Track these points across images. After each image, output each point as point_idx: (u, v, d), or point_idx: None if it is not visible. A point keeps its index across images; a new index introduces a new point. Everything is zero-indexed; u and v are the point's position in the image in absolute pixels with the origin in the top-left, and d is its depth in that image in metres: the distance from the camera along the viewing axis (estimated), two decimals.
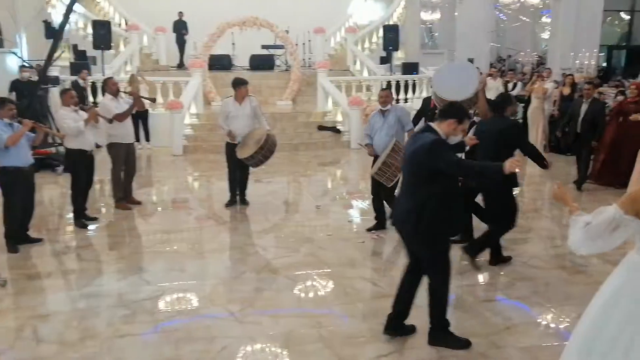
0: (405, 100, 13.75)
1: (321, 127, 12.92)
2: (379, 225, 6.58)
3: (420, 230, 3.78)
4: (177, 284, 5.17)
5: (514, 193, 5.70)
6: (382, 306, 4.69)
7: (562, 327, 4.36)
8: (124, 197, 7.65)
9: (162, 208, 8.08)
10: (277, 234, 6.78)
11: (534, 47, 25.86)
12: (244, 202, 7.79)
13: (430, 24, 24.69)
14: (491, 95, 13.03)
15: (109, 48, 13.93)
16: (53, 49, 10.21)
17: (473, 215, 5.93)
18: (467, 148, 4.67)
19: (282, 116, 13.21)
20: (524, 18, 26.36)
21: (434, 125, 3.86)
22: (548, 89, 12.01)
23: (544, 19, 25.46)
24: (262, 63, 16.32)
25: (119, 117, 7.19)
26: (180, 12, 16.28)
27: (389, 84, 14.07)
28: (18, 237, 6.06)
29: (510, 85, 13.32)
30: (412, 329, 4.19)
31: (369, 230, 6.55)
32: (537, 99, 11.84)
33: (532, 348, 4.02)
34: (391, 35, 15.43)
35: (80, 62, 13.53)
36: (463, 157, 4.63)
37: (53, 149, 10.07)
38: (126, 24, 16.93)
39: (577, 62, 16.05)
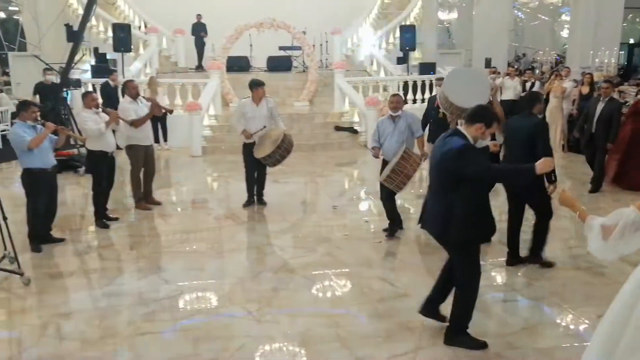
0: (422, 100, 13.71)
1: (338, 128, 12.94)
2: (396, 225, 6.58)
3: (448, 233, 3.80)
4: (196, 283, 5.25)
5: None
6: (399, 306, 4.74)
7: (580, 328, 4.34)
8: (144, 197, 7.75)
9: (182, 208, 8.17)
10: (295, 234, 6.83)
11: (553, 46, 25.60)
12: (262, 202, 7.85)
13: (448, 24, 24.59)
14: (509, 94, 13.04)
15: (129, 51, 14.09)
16: (73, 52, 10.36)
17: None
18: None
19: (300, 117, 13.26)
20: (543, 16, 26.11)
21: (462, 128, 3.83)
22: (567, 88, 11.88)
23: (564, 17, 25.20)
24: (279, 64, 16.38)
25: (137, 123, 7.28)
26: (199, 15, 16.39)
27: (405, 84, 14.06)
28: (41, 237, 6.17)
29: (528, 85, 13.22)
30: (442, 318, 4.22)
31: (386, 230, 6.56)
32: (556, 98, 11.72)
33: (549, 349, 4.01)
34: (408, 36, 15.40)
35: (101, 65, 13.74)
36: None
37: (75, 151, 10.23)
38: (145, 26, 17.10)
39: (597, 60, 15.85)
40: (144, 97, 7.67)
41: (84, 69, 13.11)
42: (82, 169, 9.84)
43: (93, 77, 12.89)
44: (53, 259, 5.96)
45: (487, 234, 4.01)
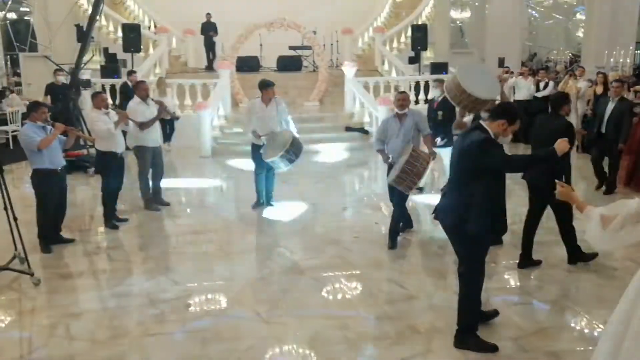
0: (433, 100, 13.60)
1: (349, 128, 12.89)
2: (405, 226, 6.52)
3: (465, 224, 3.82)
4: (205, 285, 5.24)
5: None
6: (408, 308, 4.71)
7: (593, 331, 4.28)
8: (153, 198, 7.76)
9: (191, 209, 8.17)
10: (304, 235, 6.80)
11: (567, 45, 25.41)
12: (271, 203, 7.83)
13: (460, 23, 24.45)
14: (522, 94, 12.93)
15: (139, 51, 14.13)
16: (82, 53, 10.39)
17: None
18: None
19: (310, 117, 13.23)
20: (557, 15, 25.91)
21: (484, 124, 3.87)
22: (581, 88, 11.73)
23: (578, 16, 25.01)
24: (289, 64, 16.36)
25: (144, 126, 7.28)
26: (208, 14, 16.38)
27: (417, 84, 13.98)
28: (51, 238, 6.20)
29: (541, 85, 13.09)
30: (494, 314, 4.34)
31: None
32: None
33: (561, 352, 3.96)
34: (419, 35, 15.31)
35: (111, 65, 13.79)
36: None
37: (84, 151, 10.27)
38: (155, 26, 17.15)
39: (612, 60, 15.69)
40: (153, 99, 7.66)
41: (93, 69, 13.14)
42: (91, 170, 9.87)
43: (102, 77, 12.92)
44: (63, 259, 5.98)
45: (500, 229, 4.00)
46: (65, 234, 6.46)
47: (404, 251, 6.16)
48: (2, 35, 18.25)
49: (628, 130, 8.25)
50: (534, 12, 26.08)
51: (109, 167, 6.96)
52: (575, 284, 5.19)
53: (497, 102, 5.62)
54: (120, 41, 14.73)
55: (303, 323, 4.45)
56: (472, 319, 4.02)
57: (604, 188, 8.44)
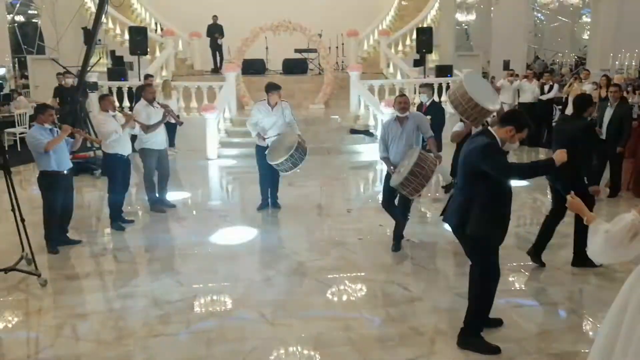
0: (439, 102, 13.61)
1: (353, 131, 12.91)
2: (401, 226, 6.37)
3: (465, 227, 3.89)
4: (210, 286, 5.26)
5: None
6: (412, 310, 4.72)
7: (596, 334, 4.27)
8: (159, 200, 7.80)
9: (196, 211, 8.21)
10: (309, 237, 6.82)
11: (573, 48, 25.36)
12: (276, 205, 7.86)
13: (466, 26, 24.46)
14: (527, 97, 12.94)
15: (146, 54, 14.19)
16: (87, 56, 10.46)
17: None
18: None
19: (315, 120, 13.26)
20: (563, 18, 25.88)
21: (492, 129, 3.90)
22: (586, 91, 11.72)
23: (584, 19, 24.97)
24: (295, 67, 16.42)
25: (149, 129, 7.32)
26: (215, 16, 16.44)
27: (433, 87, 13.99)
28: (58, 239, 6.25)
29: (546, 88, 13.10)
30: (498, 322, 4.34)
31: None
32: None
33: (564, 354, 3.97)
34: (425, 38, 15.32)
35: (118, 68, 13.86)
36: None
37: (91, 153, 10.34)
38: (162, 29, 17.24)
39: (617, 63, 15.67)
40: (158, 102, 7.71)
41: (100, 72, 13.23)
42: (97, 172, 9.95)
43: (109, 80, 13.00)
44: (69, 260, 6.03)
45: (500, 233, 3.99)
46: (71, 235, 6.51)
47: (408, 253, 6.17)
48: (10, 38, 18.36)
49: (628, 134, 8.19)
50: (539, 14, 26.06)
51: (115, 169, 7.00)
52: (579, 287, 5.20)
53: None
54: (127, 44, 14.83)
55: (307, 324, 4.47)
56: (479, 320, 4.05)
57: (607, 191, 8.38)
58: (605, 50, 17.02)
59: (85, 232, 6.90)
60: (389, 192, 6.09)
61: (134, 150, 7.37)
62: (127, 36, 14.98)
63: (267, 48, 16.55)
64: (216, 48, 16.50)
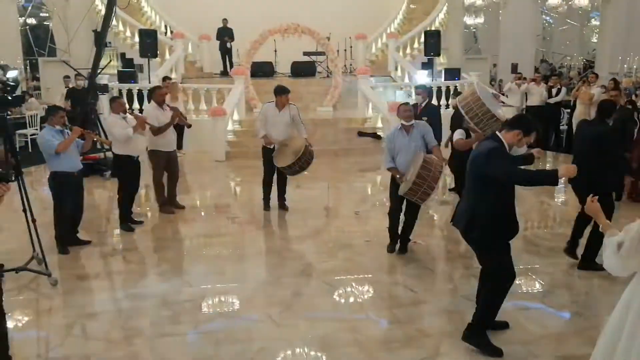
0: (447, 106, 13.65)
1: (361, 133, 12.95)
2: (394, 244, 6.25)
3: (472, 230, 3.93)
4: (218, 287, 5.31)
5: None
6: (418, 312, 4.75)
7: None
8: (168, 202, 7.87)
9: (205, 213, 8.26)
10: (316, 239, 6.86)
11: (582, 51, 25.28)
12: (284, 207, 7.90)
13: (474, 29, 24.43)
14: (534, 101, 12.91)
15: (155, 56, 14.28)
16: (97, 58, 10.55)
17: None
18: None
19: (323, 122, 13.30)
20: (572, 21, 25.79)
21: (499, 134, 3.91)
22: (594, 95, 11.69)
23: (593, 22, 24.88)
24: (303, 70, 16.47)
25: (157, 131, 7.38)
26: (225, 20, 16.51)
27: (430, 89, 13.99)
28: (68, 239, 6.31)
29: (554, 91, 13.07)
30: (504, 325, 4.35)
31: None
32: (583, 105, 11.55)
33: (569, 357, 3.99)
34: (433, 41, 15.34)
35: (128, 70, 13.96)
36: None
37: (101, 155, 10.43)
38: (171, 32, 17.34)
39: (626, 66, 15.61)
40: (168, 105, 7.77)
41: (111, 74, 13.33)
42: (107, 173, 10.03)
43: (119, 82, 13.10)
44: (79, 260, 6.08)
45: (506, 235, 4.00)
46: (81, 235, 6.57)
47: (415, 256, 6.18)
48: (22, 40, 18.54)
49: (631, 139, 8.10)
50: (548, 17, 25.99)
51: (125, 170, 7.07)
52: (585, 290, 5.20)
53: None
54: (137, 46, 14.92)
55: (314, 325, 4.51)
56: (487, 317, 4.07)
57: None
58: (614, 53, 16.96)
59: (95, 233, 6.96)
60: (399, 201, 5.97)
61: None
62: (137, 39, 15.07)
63: (275, 51, 16.61)
64: (226, 51, 16.57)
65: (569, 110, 13.05)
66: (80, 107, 10.74)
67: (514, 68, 17.28)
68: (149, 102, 7.97)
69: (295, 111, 7.61)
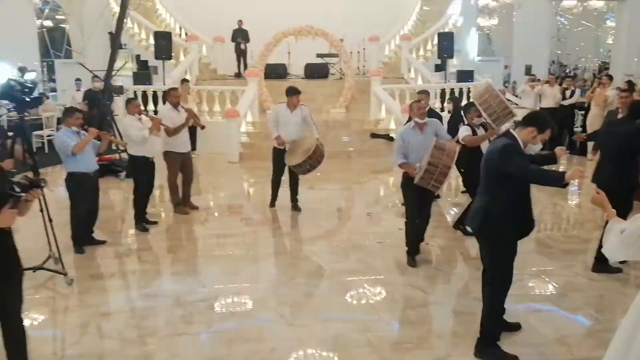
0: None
1: (374, 135, 12.95)
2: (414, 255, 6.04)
3: (484, 227, 3.90)
4: (231, 287, 5.34)
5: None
6: (431, 314, 4.76)
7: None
8: (182, 202, 7.93)
9: (218, 213, 8.31)
10: (329, 240, 6.89)
11: (596, 53, 25.08)
12: (297, 208, 7.95)
13: (488, 30, 24.33)
14: (548, 102, 12.86)
15: (170, 58, 14.38)
16: (112, 58, 10.65)
17: None
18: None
19: (336, 124, 13.33)
20: (587, 23, 25.60)
21: (513, 131, 3.89)
22: (609, 97, 11.60)
23: (608, 23, 24.69)
24: (316, 71, 16.52)
25: (172, 132, 7.45)
26: (240, 21, 16.56)
27: (443, 91, 13.98)
28: (84, 239, 6.38)
29: (568, 93, 13.00)
30: (516, 326, 4.35)
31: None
32: (597, 107, 11.47)
33: None
34: (446, 43, 15.31)
35: (143, 72, 14.08)
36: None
37: (116, 156, 10.53)
38: (186, 34, 17.45)
39: None
40: (183, 106, 7.84)
41: (126, 76, 13.46)
42: (123, 174, 10.13)
43: (134, 84, 13.22)
44: (95, 260, 6.15)
45: (521, 231, 3.98)
46: (97, 235, 6.64)
47: (428, 257, 6.18)
48: (39, 43, 18.76)
49: None
50: (562, 19, 25.82)
51: (140, 171, 7.14)
52: (599, 292, 5.17)
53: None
54: (152, 48, 15.05)
55: (326, 326, 4.52)
56: (493, 327, 4.04)
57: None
58: (630, 55, 16.83)
59: (110, 233, 7.03)
60: (417, 209, 5.88)
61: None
62: (152, 41, 15.20)
63: (289, 53, 16.68)
64: (240, 53, 16.65)
65: (582, 112, 12.96)
66: (97, 109, 10.85)
67: (528, 70, 17.20)
68: (164, 103, 8.04)
69: (307, 112, 7.67)
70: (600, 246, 5.42)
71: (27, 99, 6.36)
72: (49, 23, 23.45)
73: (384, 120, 13.56)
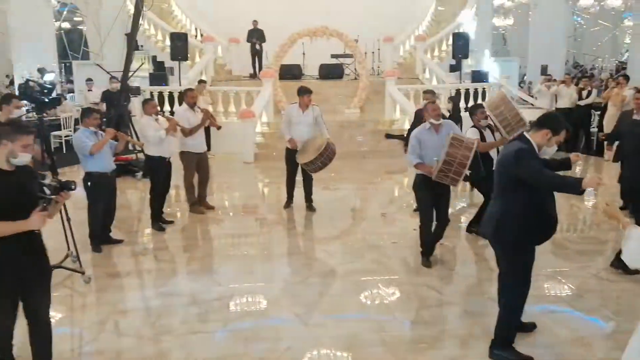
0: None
1: (388, 135, 12.95)
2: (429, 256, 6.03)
3: (499, 235, 3.81)
4: (246, 286, 5.38)
5: None
6: (445, 314, 4.76)
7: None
8: (198, 202, 7.99)
9: (234, 213, 8.37)
10: (343, 240, 6.90)
11: (614, 52, 24.82)
12: (311, 208, 7.98)
13: (503, 30, 24.20)
14: (564, 103, 12.76)
15: (186, 59, 14.48)
16: (128, 59, 10.75)
17: None
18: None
19: (350, 124, 13.35)
20: (604, 22, 25.35)
21: (527, 134, 3.80)
22: (626, 97, 11.49)
23: (626, 22, 24.42)
24: (331, 72, 16.55)
25: (188, 133, 7.51)
26: (255, 21, 16.63)
27: (457, 92, 13.94)
28: (101, 238, 6.45)
29: (584, 93, 12.89)
30: (531, 327, 4.33)
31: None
32: (614, 107, 11.37)
33: None
34: (461, 43, 15.26)
35: (159, 73, 14.20)
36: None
37: (133, 156, 10.64)
38: (202, 35, 17.56)
39: None
40: (199, 107, 7.90)
41: (143, 77, 13.58)
42: (139, 174, 10.23)
43: (151, 85, 13.33)
44: (112, 259, 6.22)
45: (538, 238, 3.89)
46: (114, 234, 6.71)
47: (442, 258, 6.17)
48: (57, 44, 19.00)
49: None
50: (579, 18, 25.59)
51: (157, 171, 7.20)
52: (617, 294, 5.13)
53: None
54: (168, 50, 15.17)
55: (341, 325, 4.54)
56: (509, 331, 3.99)
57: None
58: None
59: (127, 232, 7.11)
60: (430, 211, 5.80)
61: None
62: (168, 42, 15.32)
63: (304, 54, 16.71)
64: (255, 53, 16.71)
65: (599, 113, 12.84)
66: (114, 109, 10.97)
67: (544, 70, 17.08)
68: (180, 104, 8.11)
69: (319, 112, 7.73)
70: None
71: (46, 100, 6.45)
72: (66, 25, 23.76)
73: (399, 120, 13.54)
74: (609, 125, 11.19)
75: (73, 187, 3.44)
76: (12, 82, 17.69)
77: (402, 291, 5.24)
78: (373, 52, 17.51)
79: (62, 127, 13.57)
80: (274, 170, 10.98)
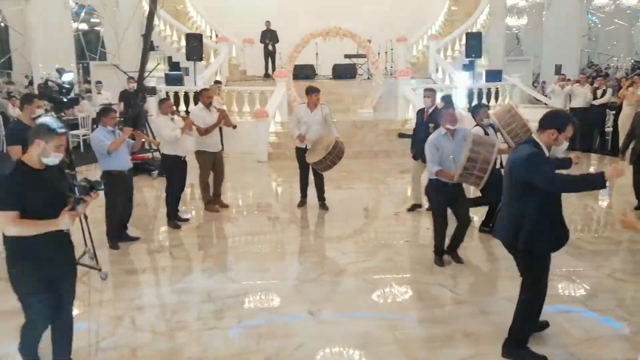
0: (488, 108, 13.49)
1: (401, 135, 12.94)
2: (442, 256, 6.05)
3: (516, 240, 3.76)
4: (260, 283, 5.44)
5: None
6: (458, 312, 4.77)
7: None
8: (213, 200, 8.07)
9: (248, 211, 8.44)
10: (356, 239, 6.93)
11: (630, 51, 24.58)
12: (324, 207, 8.02)
13: (517, 30, 24.06)
14: (579, 102, 12.69)
15: (201, 59, 14.60)
16: (143, 61, 10.86)
17: None
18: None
19: (363, 124, 13.37)
20: (619, 21, 25.12)
21: (535, 136, 3.76)
22: None
23: None
24: (344, 72, 16.59)
25: (204, 132, 7.58)
26: (268, 22, 16.71)
27: (471, 91, 13.92)
28: (118, 235, 6.55)
29: (599, 93, 12.81)
30: (544, 325, 4.32)
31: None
32: (629, 106, 11.28)
33: None
34: (474, 43, 15.21)
35: (174, 73, 14.32)
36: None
37: (149, 155, 10.75)
38: (216, 36, 17.68)
39: None
40: (215, 106, 7.98)
41: (158, 77, 13.71)
42: (155, 172, 10.33)
43: (167, 85, 13.46)
44: (128, 256, 6.31)
45: (555, 243, 3.86)
46: (131, 232, 6.81)
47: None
48: (75, 45, 19.23)
49: None
50: (593, 17, 25.37)
51: (172, 170, 7.29)
52: (631, 294, 5.11)
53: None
54: (183, 50, 15.30)
55: (353, 323, 4.58)
56: (524, 331, 3.99)
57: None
58: None
59: (144, 230, 7.20)
60: (445, 214, 5.79)
61: None
62: (183, 42, 15.45)
63: (317, 54, 16.76)
64: (268, 54, 16.80)
65: (614, 112, 12.76)
66: (131, 109, 11.10)
67: (558, 69, 16.98)
68: (195, 104, 8.19)
69: (328, 111, 7.77)
70: None
71: (64, 100, 6.55)
72: (84, 26, 24.01)
73: (412, 120, 13.51)
74: (624, 124, 11.09)
75: (102, 187, 3.49)
76: (31, 83, 17.95)
77: (415, 290, 5.27)
78: (386, 52, 17.52)
79: (80, 126, 13.75)
80: (287, 170, 11.06)
